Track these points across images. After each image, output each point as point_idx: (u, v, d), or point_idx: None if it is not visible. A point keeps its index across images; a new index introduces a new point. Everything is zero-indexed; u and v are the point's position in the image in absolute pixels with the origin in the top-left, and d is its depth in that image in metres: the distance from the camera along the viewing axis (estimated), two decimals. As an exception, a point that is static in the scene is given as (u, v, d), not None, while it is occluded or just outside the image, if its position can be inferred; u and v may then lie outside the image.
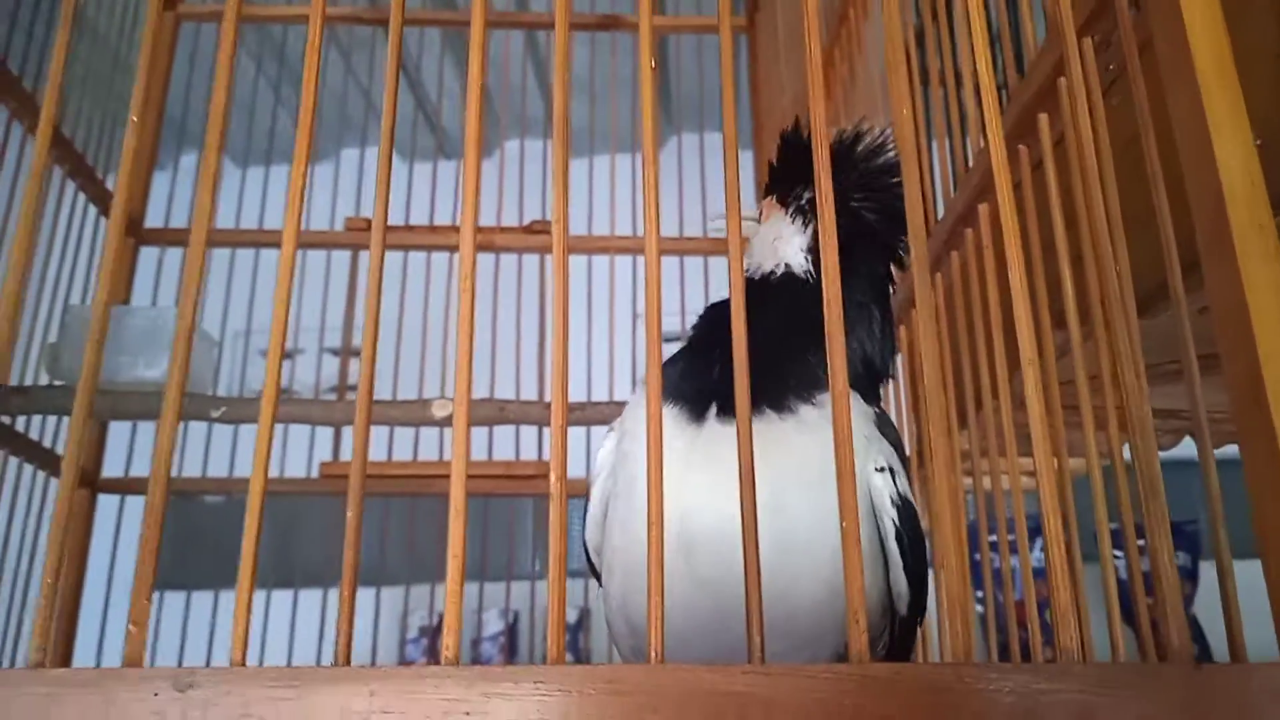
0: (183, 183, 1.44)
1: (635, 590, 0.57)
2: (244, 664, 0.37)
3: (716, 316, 0.64)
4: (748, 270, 0.65)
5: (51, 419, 1.29)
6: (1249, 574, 0.40)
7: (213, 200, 0.41)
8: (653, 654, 0.36)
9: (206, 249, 1.43)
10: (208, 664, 1.31)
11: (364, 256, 1.58)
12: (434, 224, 1.61)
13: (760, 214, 0.69)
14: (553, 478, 0.37)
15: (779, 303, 0.62)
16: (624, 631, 0.61)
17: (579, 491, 0.68)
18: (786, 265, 0.63)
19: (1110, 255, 0.46)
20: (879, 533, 0.57)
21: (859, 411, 0.59)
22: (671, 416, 0.57)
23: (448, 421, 1.20)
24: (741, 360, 0.39)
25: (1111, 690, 0.34)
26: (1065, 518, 0.60)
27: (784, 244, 0.64)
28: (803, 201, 0.65)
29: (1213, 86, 0.41)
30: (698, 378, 0.59)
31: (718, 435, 0.56)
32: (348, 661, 0.36)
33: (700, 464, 0.55)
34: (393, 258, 1.61)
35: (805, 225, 0.64)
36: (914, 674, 0.34)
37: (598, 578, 0.68)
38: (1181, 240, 0.47)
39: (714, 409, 0.57)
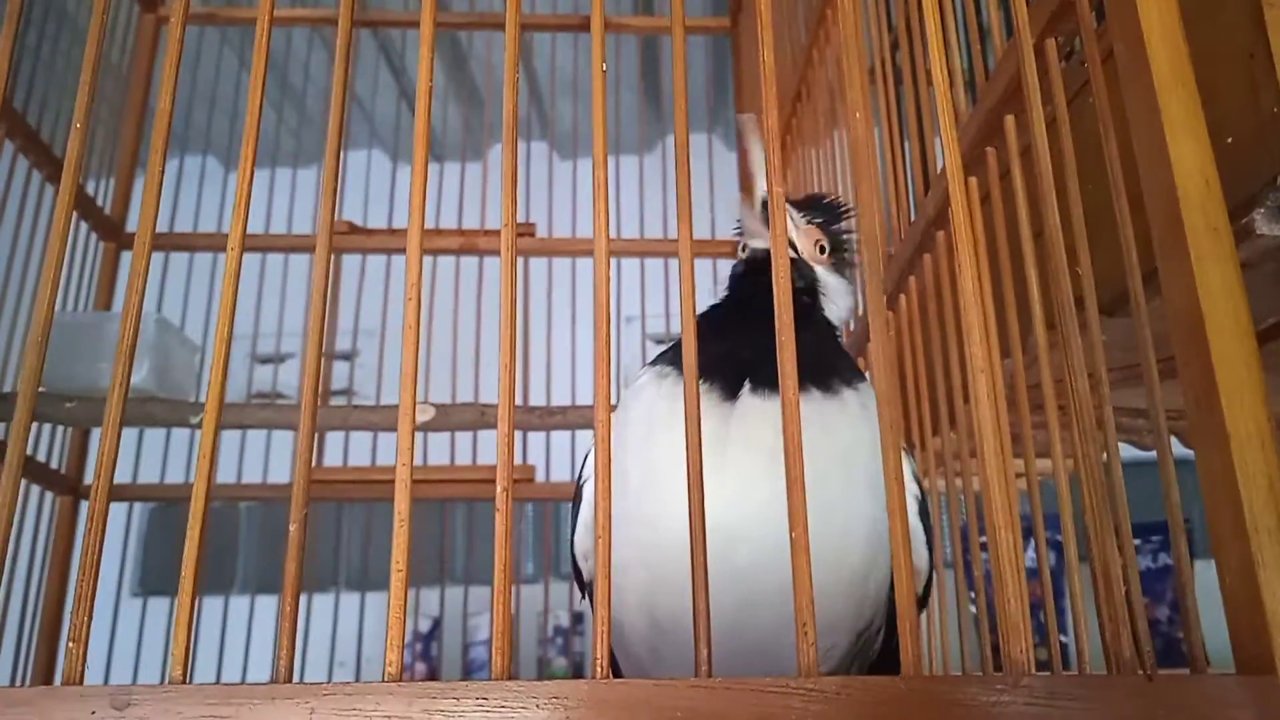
0: (168, 187, 1.42)
1: (661, 588, 0.54)
2: (185, 681, 0.36)
3: (742, 298, 0.63)
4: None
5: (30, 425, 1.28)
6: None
7: (158, 193, 0.40)
8: (598, 669, 0.35)
9: (191, 253, 1.39)
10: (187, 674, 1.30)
11: (346, 260, 1.58)
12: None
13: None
14: (498, 489, 0.36)
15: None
16: (643, 630, 0.58)
17: (565, 495, 0.66)
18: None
19: (1063, 254, 0.46)
20: None
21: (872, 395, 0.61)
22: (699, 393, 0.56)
23: (428, 426, 1.19)
24: (690, 363, 0.39)
25: (1061, 702, 0.33)
26: (1032, 522, 0.59)
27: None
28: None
29: (1169, 87, 0.41)
30: (726, 352, 0.56)
31: (754, 413, 0.54)
32: (289, 678, 0.35)
33: (740, 444, 0.53)
34: (376, 261, 1.61)
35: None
36: (860, 687, 0.33)
37: (582, 588, 0.65)
38: (1149, 242, 0.47)
39: (747, 385, 0.55)
